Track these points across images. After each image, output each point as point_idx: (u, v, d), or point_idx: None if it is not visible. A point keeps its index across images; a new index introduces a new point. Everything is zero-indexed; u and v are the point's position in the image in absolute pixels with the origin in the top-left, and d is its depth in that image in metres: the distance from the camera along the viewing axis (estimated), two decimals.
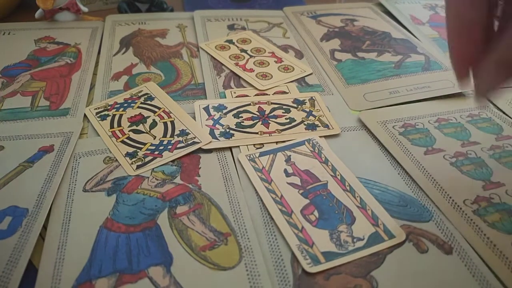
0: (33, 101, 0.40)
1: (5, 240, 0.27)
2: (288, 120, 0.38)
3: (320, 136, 0.37)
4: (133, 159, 0.34)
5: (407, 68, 0.47)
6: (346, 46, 0.51)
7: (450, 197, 0.31)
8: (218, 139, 0.36)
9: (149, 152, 0.35)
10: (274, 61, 0.47)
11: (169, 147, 0.35)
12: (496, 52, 0.24)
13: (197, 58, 0.48)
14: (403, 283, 0.26)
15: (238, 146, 0.36)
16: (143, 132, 0.37)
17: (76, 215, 0.29)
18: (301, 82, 0.45)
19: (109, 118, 0.38)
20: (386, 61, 0.48)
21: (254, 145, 0.36)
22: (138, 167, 0.33)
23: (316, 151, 0.35)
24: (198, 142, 0.35)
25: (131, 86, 0.43)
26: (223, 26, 0.55)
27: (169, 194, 0.31)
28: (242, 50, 0.49)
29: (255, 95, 0.42)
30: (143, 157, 0.34)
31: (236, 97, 0.42)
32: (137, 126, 0.37)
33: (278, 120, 0.38)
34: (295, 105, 0.40)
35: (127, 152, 0.35)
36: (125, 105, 0.40)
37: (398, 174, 0.34)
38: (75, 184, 0.32)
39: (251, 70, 0.45)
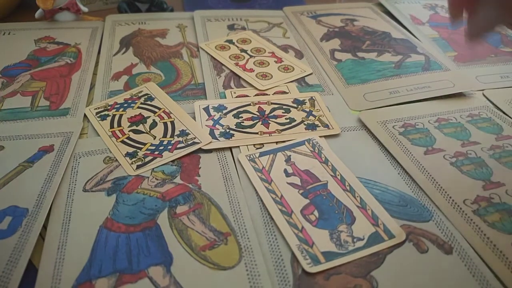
0: (33, 101, 0.40)
1: (5, 240, 0.27)
2: (288, 120, 0.38)
3: (320, 136, 0.37)
4: (133, 159, 0.34)
5: (407, 68, 0.47)
6: (346, 46, 0.51)
7: (450, 197, 0.31)
8: (218, 139, 0.36)
9: (149, 152, 0.35)
10: (274, 61, 0.47)
11: (169, 147, 0.35)
12: None
13: (197, 58, 0.48)
14: (403, 283, 0.26)
15: (238, 146, 0.36)
16: (143, 132, 0.37)
17: (76, 215, 0.29)
18: (301, 82, 0.45)
19: (109, 118, 0.38)
20: (386, 61, 0.48)
21: (254, 145, 0.36)
22: (138, 167, 0.33)
23: (316, 151, 0.35)
24: (198, 143, 0.35)
25: (131, 86, 0.43)
26: (223, 26, 0.55)
27: (169, 194, 0.31)
28: (242, 50, 0.49)
29: (255, 95, 0.42)
30: (143, 157, 0.34)
31: (236, 97, 0.42)
32: (137, 126, 0.37)
33: (278, 120, 0.38)
34: (295, 105, 0.40)
35: (127, 152, 0.35)
36: (125, 105, 0.40)
37: (398, 174, 0.34)
38: (75, 184, 0.32)
39: (251, 70, 0.45)
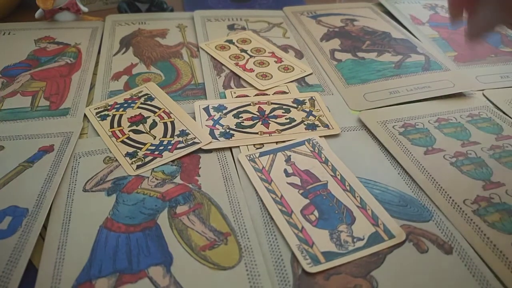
0: (33, 101, 0.40)
1: (5, 240, 0.27)
2: (288, 120, 0.38)
3: (320, 136, 0.37)
4: (133, 159, 0.34)
5: (407, 68, 0.47)
6: (346, 46, 0.51)
7: (450, 197, 0.31)
8: (218, 139, 0.36)
9: (149, 152, 0.35)
10: (274, 61, 0.47)
11: (169, 147, 0.35)
12: None
13: (197, 58, 0.48)
14: (403, 283, 0.26)
15: (238, 146, 0.36)
16: (143, 132, 0.37)
17: (76, 215, 0.29)
18: (301, 82, 0.45)
19: (109, 118, 0.38)
20: (386, 61, 0.48)
21: (254, 145, 0.36)
22: (138, 167, 0.33)
23: (316, 151, 0.35)
24: (198, 143, 0.35)
25: (131, 86, 0.43)
26: (223, 26, 0.55)
27: (169, 194, 0.31)
28: (242, 50, 0.49)
29: (255, 95, 0.42)
30: (143, 157, 0.34)
31: (236, 97, 0.42)
32: (137, 126, 0.37)
33: (278, 120, 0.38)
34: (295, 105, 0.40)
35: (127, 152, 0.35)
36: (125, 105, 0.40)
37: (398, 174, 0.34)
38: (75, 184, 0.32)
39: (251, 70, 0.45)
